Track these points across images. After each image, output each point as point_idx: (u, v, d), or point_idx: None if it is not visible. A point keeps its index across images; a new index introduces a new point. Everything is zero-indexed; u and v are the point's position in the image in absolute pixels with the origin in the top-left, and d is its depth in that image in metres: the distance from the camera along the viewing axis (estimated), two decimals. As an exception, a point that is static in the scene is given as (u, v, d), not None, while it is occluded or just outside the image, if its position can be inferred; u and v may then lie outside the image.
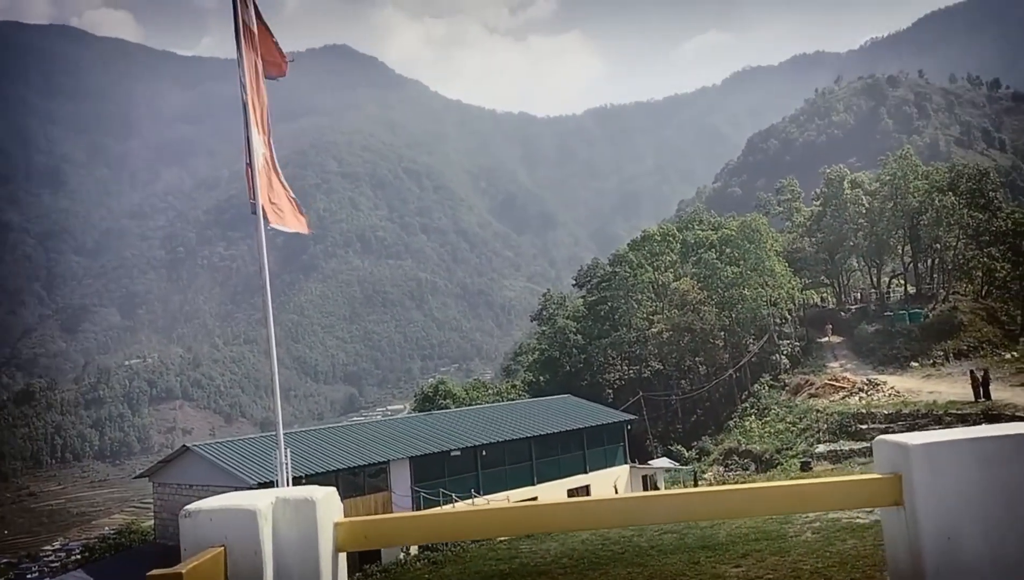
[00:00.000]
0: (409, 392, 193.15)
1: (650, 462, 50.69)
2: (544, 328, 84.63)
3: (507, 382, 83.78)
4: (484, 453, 39.03)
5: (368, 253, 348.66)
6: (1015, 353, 56.50)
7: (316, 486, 2.63)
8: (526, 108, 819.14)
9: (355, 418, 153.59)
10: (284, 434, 12.80)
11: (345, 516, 2.61)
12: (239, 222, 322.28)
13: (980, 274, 67.47)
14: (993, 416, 37.74)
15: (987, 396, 40.84)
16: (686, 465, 50.96)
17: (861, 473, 3.09)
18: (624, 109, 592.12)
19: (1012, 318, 64.73)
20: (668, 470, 48.67)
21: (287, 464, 12.52)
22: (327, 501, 2.60)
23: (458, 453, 38.05)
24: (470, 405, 62.27)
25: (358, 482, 34.78)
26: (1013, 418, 36.39)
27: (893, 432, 31.42)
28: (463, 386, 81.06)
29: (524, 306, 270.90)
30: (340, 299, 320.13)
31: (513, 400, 63.53)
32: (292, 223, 9.90)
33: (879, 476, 2.97)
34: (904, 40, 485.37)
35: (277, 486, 14.00)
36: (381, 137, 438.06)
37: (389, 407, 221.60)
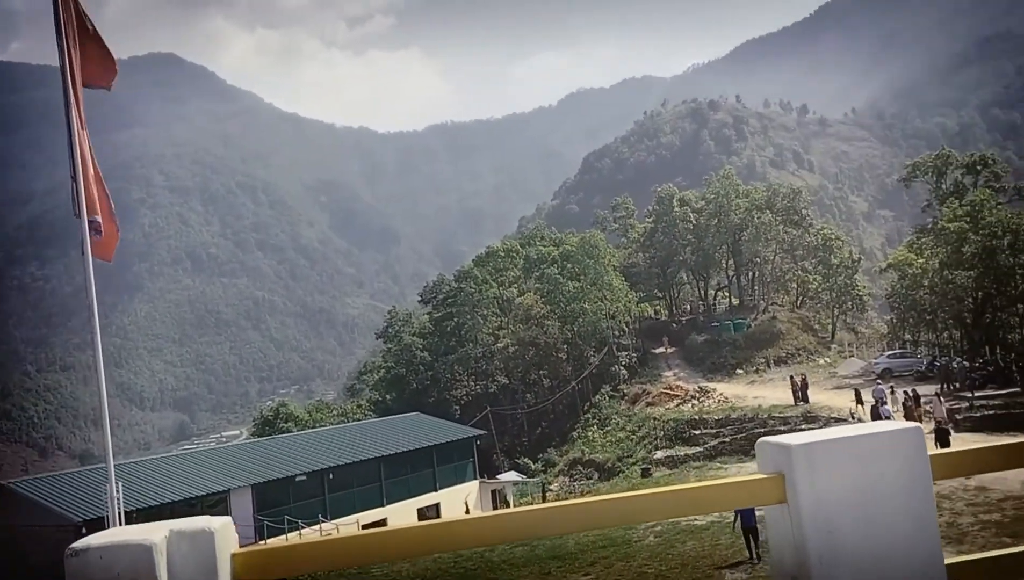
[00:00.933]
0: (246, 417, 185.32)
1: (498, 476, 51.14)
2: (390, 345, 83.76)
3: (352, 402, 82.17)
4: (331, 476, 38.00)
5: (199, 271, 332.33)
6: (827, 359, 61.58)
7: (212, 516, 2.45)
8: (366, 123, 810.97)
9: (187, 446, 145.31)
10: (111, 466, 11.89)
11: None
12: (55, 239, 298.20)
13: (795, 286, 73.15)
14: (811, 418, 40.83)
15: (805, 399, 44.08)
16: (533, 477, 51.82)
17: (749, 474, 3.20)
18: (465, 126, 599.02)
19: (824, 326, 70.56)
20: (516, 483, 49.29)
21: (119, 498, 11.63)
22: (224, 532, 2.43)
23: (304, 478, 36.84)
24: (314, 427, 60.52)
25: (195, 514, 32.82)
26: (829, 419, 39.56)
27: (723, 437, 33.12)
28: (305, 408, 78.76)
29: (368, 324, 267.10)
30: (169, 320, 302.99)
31: (359, 420, 62.33)
32: (105, 249, 9.45)
33: (763, 476, 3.09)
34: (722, 67, 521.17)
35: (108, 523, 12.97)
36: (213, 150, 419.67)
37: (224, 433, 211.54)
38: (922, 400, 37.29)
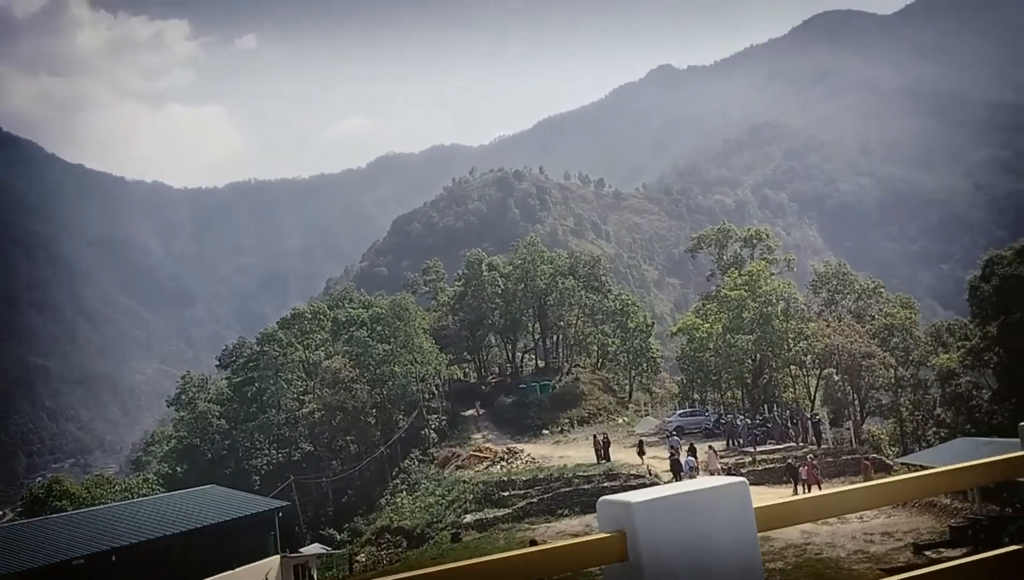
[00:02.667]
0: (12, 496, 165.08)
1: (301, 550, 48.64)
2: (182, 413, 78.24)
3: (138, 476, 75.54)
4: (114, 558, 34.46)
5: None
6: (625, 418, 64.52)
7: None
8: (161, 177, 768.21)
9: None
10: None
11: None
12: None
13: (596, 348, 76.49)
14: (613, 475, 42.38)
15: (607, 458, 45.75)
16: (339, 549, 49.78)
17: (589, 535, 3.19)
18: (269, 185, 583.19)
19: (622, 387, 74.07)
20: (320, 556, 47.09)
21: None
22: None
23: (81, 561, 33.13)
24: (93, 505, 54.90)
25: (-56, 611, 28.62)
26: (630, 476, 41.26)
27: (531, 497, 33.40)
28: (83, 484, 71.33)
29: (157, 390, 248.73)
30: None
31: (145, 496, 57.34)
32: None
33: (605, 535, 3.09)
34: (527, 139, 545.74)
35: None
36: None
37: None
38: (699, 454, 39.91)
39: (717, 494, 3.04)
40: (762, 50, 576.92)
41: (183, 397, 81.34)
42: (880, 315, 54.81)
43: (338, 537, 53.64)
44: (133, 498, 56.71)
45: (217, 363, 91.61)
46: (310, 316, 73.54)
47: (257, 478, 65.74)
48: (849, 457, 41.89)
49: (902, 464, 40.70)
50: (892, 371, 51.15)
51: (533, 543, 30.11)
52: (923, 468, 30.41)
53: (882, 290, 60.08)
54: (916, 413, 53.17)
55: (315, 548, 49.33)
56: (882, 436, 55.72)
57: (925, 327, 57.88)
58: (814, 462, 37.02)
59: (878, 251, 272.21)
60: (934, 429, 51.67)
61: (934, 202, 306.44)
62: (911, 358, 52.73)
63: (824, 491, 3.33)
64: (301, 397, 65.76)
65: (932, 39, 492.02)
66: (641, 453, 43.97)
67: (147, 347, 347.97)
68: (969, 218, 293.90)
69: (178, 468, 68.58)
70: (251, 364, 72.00)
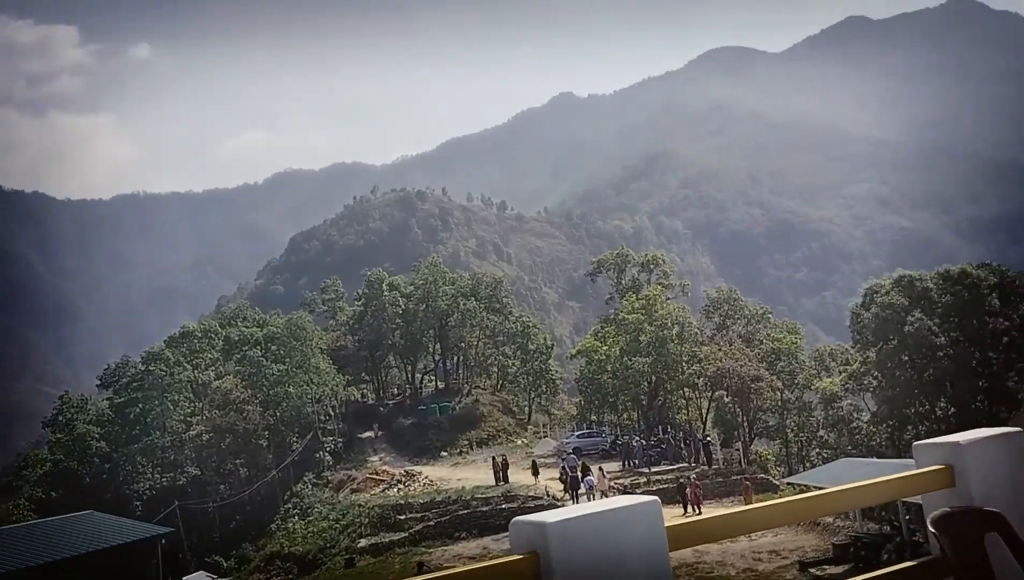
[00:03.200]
0: None
1: (185, 578, 46.45)
2: (59, 436, 73.70)
3: (9, 503, 70.59)
4: (-24, 593, 31.98)
5: None
6: (524, 439, 64.75)
7: None
8: (42, 187, 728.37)
9: None
10: None
11: None
12: None
13: (496, 370, 76.62)
14: (511, 497, 42.37)
15: (506, 479, 45.75)
16: (225, 576, 47.81)
17: (497, 556, 3.11)
18: (160, 199, 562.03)
19: (521, 408, 74.37)
20: (206, 584, 45.08)
21: None
22: None
23: (-64, 598, 30.60)
24: (-45, 535, 50.86)
25: None
26: (528, 498, 41.34)
27: (428, 521, 32.98)
28: (-56, 512, 66.20)
29: (31, 411, 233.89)
30: None
31: (17, 522, 53.59)
32: None
33: (518, 557, 3.01)
34: (431, 160, 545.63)
35: None
36: None
37: None
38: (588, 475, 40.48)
39: (631, 513, 3.02)
40: (659, 82, 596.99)
41: (60, 418, 76.65)
42: (768, 340, 56.98)
43: (225, 564, 51.51)
44: (1, 525, 52.92)
45: (98, 383, 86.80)
46: (200, 334, 70.80)
47: (139, 503, 62.49)
48: (738, 477, 43.22)
49: (788, 484, 42.30)
50: (779, 394, 53.16)
51: (421, 566, 29.65)
52: (809, 488, 31.61)
53: (770, 316, 62.57)
54: (801, 434, 55.34)
55: (200, 576, 47.18)
56: (769, 457, 57.72)
57: (809, 352, 60.53)
58: (696, 482, 38.11)
59: (766, 278, 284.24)
60: (817, 450, 53.88)
61: (817, 233, 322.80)
62: (796, 381, 54.97)
63: (734, 509, 3.35)
64: (188, 419, 63.11)
65: (817, 77, 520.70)
66: (535, 473, 44.52)
67: (22, 366, 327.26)
68: (848, 249, 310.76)
69: (53, 493, 64.50)
70: (135, 384, 68.59)
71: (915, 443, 4.25)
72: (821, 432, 54.16)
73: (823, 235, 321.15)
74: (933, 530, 3.65)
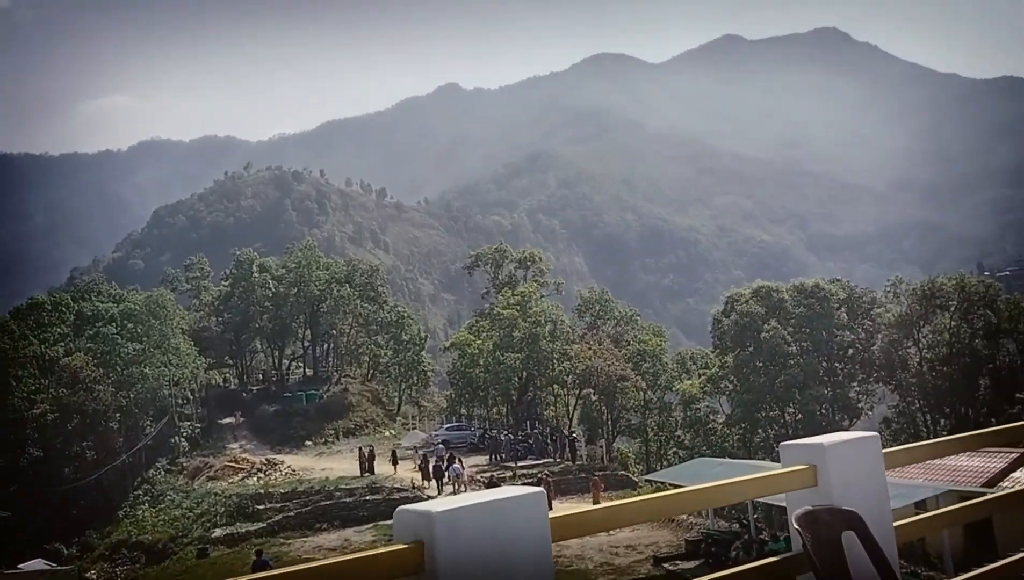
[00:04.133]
0: None
1: (21, 566, 43.41)
2: None
3: None
4: None
5: None
6: (393, 431, 64.19)
7: None
8: None
9: None
10: None
11: None
12: None
13: (368, 359, 75.54)
14: (376, 488, 41.92)
15: (372, 471, 45.20)
16: (66, 564, 45.00)
17: (384, 545, 3.04)
18: (10, 159, 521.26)
19: (391, 399, 73.69)
20: (44, 572, 42.28)
21: None
22: None
23: None
24: None
25: None
26: (393, 490, 41.06)
27: (288, 511, 32.09)
28: None
29: None
30: None
31: None
32: None
33: (403, 546, 2.96)
34: (309, 140, 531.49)
35: None
36: None
37: None
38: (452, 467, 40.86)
39: (517, 504, 3.02)
40: (544, 81, 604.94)
41: None
42: (635, 341, 58.84)
43: (66, 552, 48.45)
44: None
45: (-72, 355, 79.74)
46: (50, 307, 66.04)
47: (-29, 486, 57.88)
48: (601, 473, 44.43)
49: (646, 481, 43.88)
50: (642, 394, 55.06)
51: (259, 554, 28.84)
52: (666, 485, 32.89)
53: (638, 318, 64.65)
54: (660, 434, 57.53)
55: (37, 564, 44.24)
56: (629, 454, 59.64)
57: (672, 355, 62.98)
58: (549, 478, 39.32)
59: (635, 282, 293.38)
60: (674, 449, 56.19)
61: (684, 241, 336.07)
62: (659, 382, 57.07)
63: (615, 502, 3.41)
64: (32, 396, 58.89)
65: (693, 91, 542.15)
66: (394, 463, 44.91)
67: None
68: (712, 258, 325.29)
69: None
70: (-28, 357, 63.43)
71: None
72: (679, 432, 56.50)
73: (690, 244, 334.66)
74: (797, 526, 3.84)
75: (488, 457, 48.59)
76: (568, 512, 3.27)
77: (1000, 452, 26.84)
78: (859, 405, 48.31)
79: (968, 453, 25.09)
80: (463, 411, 64.01)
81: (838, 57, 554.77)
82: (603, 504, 3.38)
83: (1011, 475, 29.24)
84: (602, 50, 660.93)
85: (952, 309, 44.87)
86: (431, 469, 40.49)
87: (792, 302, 46.85)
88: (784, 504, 4.27)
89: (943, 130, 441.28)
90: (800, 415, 46.61)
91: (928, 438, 27.77)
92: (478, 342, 58.15)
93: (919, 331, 46.21)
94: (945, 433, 41.51)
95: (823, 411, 46.51)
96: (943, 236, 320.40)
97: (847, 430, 48.92)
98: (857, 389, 47.85)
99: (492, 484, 37.93)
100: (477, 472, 42.65)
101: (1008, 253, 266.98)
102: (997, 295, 45.10)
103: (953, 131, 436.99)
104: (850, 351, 47.39)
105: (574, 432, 53.69)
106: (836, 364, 47.76)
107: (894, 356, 45.85)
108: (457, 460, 41.24)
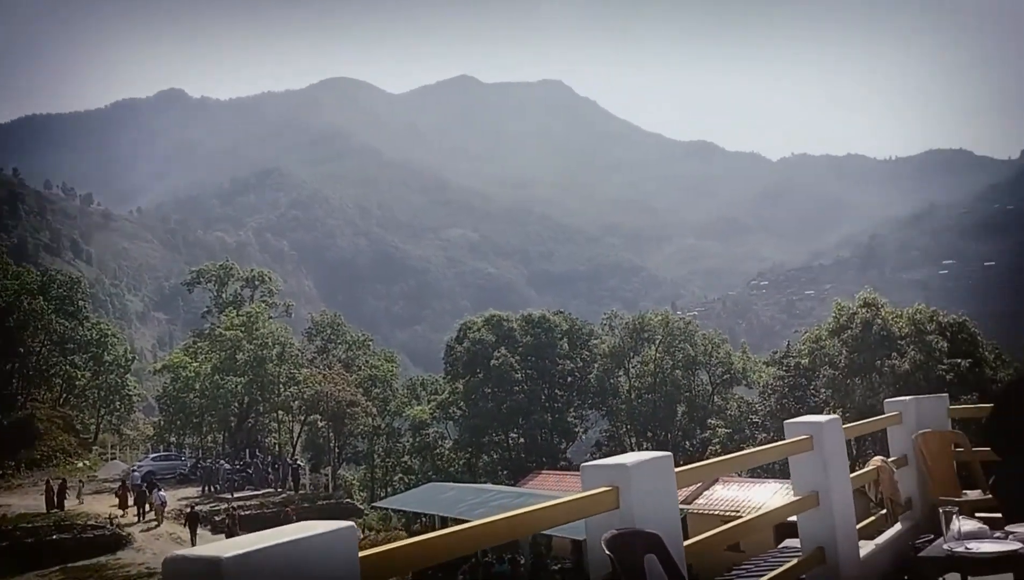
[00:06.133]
0: None
1: None
2: None
3: None
4: None
5: None
6: (87, 461, 57.40)
7: None
8: None
9: None
10: None
11: None
12: None
13: (60, 381, 67.12)
14: (65, 526, 37.10)
15: (61, 507, 40.01)
16: None
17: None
18: None
19: (87, 427, 66.03)
20: None
21: None
22: None
23: None
24: None
25: None
26: (86, 527, 36.61)
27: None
28: None
29: None
30: None
31: None
32: None
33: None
34: (3, 134, 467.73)
35: None
36: None
37: None
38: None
39: (323, 542, 2.54)
40: (279, 98, 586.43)
41: None
42: (366, 366, 58.12)
43: None
44: None
45: None
46: None
47: None
48: (325, 503, 42.97)
49: (373, 507, 43.18)
50: (372, 419, 54.37)
51: None
52: (394, 513, 32.29)
53: (370, 343, 63.94)
54: (387, 460, 57.09)
55: None
56: (354, 482, 58.54)
57: (403, 381, 63.05)
58: (235, 512, 37.39)
59: (366, 307, 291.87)
60: (401, 475, 56.00)
61: (415, 269, 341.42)
62: (389, 408, 56.77)
63: (429, 535, 2.99)
64: None
65: (429, 124, 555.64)
66: (79, 496, 40.38)
67: None
68: (441, 287, 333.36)
69: None
70: None
71: (583, 465, 4.28)
72: (406, 458, 56.47)
73: (420, 272, 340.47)
74: (608, 551, 3.64)
75: (201, 488, 45.11)
76: (379, 549, 2.81)
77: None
78: (576, 429, 51.45)
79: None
80: (173, 439, 59.03)
81: (562, 108, 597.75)
82: (417, 538, 2.92)
83: (704, 493, 32.51)
84: (341, 74, 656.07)
85: (657, 342, 49.47)
86: (132, 499, 36.80)
87: (520, 331, 48.96)
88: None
89: (648, 184, 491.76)
90: (523, 439, 48.56)
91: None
92: (195, 364, 54.11)
93: (629, 361, 50.31)
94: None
95: (544, 435, 48.85)
96: (644, 277, 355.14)
97: (565, 453, 51.92)
98: (574, 414, 50.93)
99: (192, 517, 35.24)
100: (187, 505, 39.36)
101: (696, 295, 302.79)
102: (695, 331, 50.52)
103: (656, 185, 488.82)
104: (569, 379, 50.39)
105: (298, 460, 51.66)
106: (557, 390, 50.52)
107: (607, 384, 49.48)
108: (161, 489, 37.99)
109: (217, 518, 38.22)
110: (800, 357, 41.71)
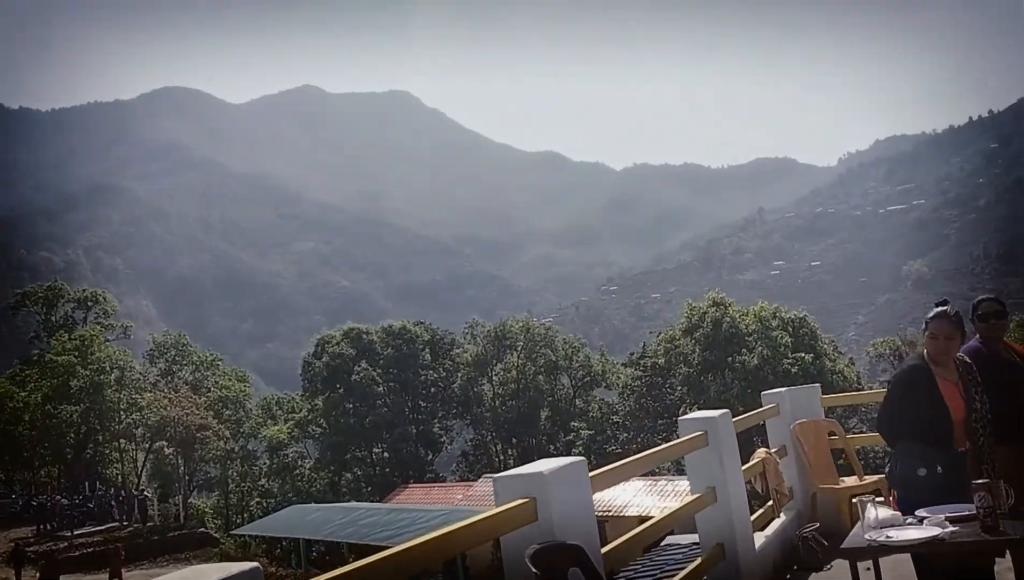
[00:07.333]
0: None
1: None
2: None
3: None
4: None
5: None
6: None
7: None
8: None
9: None
10: None
11: None
12: None
13: None
14: None
15: None
16: None
17: None
18: None
19: None
20: None
21: None
22: None
23: None
24: None
25: None
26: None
27: None
28: None
29: None
30: None
31: None
32: None
33: None
34: None
35: None
36: None
37: None
38: None
39: None
40: (108, 109, 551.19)
41: None
42: (216, 387, 55.25)
43: None
44: None
45: None
46: None
47: None
48: (176, 533, 40.37)
49: (231, 535, 40.96)
50: (224, 443, 51.66)
51: None
52: (254, 539, 30.72)
53: (219, 363, 60.77)
54: (243, 484, 54.42)
55: None
56: (207, 510, 55.47)
57: (257, 401, 60.37)
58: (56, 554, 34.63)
59: (212, 326, 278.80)
60: (258, 499, 53.51)
61: (265, 285, 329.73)
62: (243, 430, 54.16)
63: (344, 569, 2.60)
64: None
65: (273, 135, 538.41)
66: None
67: None
68: (293, 302, 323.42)
69: None
70: None
71: (496, 476, 3.99)
72: (263, 481, 54.05)
73: (271, 288, 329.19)
74: (533, 568, 3.37)
75: (36, 527, 41.31)
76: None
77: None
78: (441, 440, 50.96)
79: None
80: (0, 475, 53.88)
81: (411, 119, 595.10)
82: (330, 573, 2.52)
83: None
84: (174, 83, 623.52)
85: (519, 349, 49.82)
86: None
87: (381, 344, 47.98)
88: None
89: (501, 194, 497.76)
90: (388, 454, 47.55)
91: (501, 468, 30.03)
92: (23, 394, 49.62)
93: (492, 369, 50.38)
94: (512, 462, 45.58)
95: (409, 448, 48.04)
96: (500, 285, 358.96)
97: (432, 465, 51.29)
98: (439, 425, 50.42)
99: (18, 556, 32.21)
100: (14, 545, 35.86)
101: (551, 301, 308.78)
102: (555, 336, 51.28)
103: (508, 195, 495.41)
104: (433, 389, 49.86)
105: (144, 490, 48.40)
106: (421, 402, 49.85)
107: (471, 392, 49.32)
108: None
109: (60, 556, 35.04)
110: (656, 357, 43.10)
